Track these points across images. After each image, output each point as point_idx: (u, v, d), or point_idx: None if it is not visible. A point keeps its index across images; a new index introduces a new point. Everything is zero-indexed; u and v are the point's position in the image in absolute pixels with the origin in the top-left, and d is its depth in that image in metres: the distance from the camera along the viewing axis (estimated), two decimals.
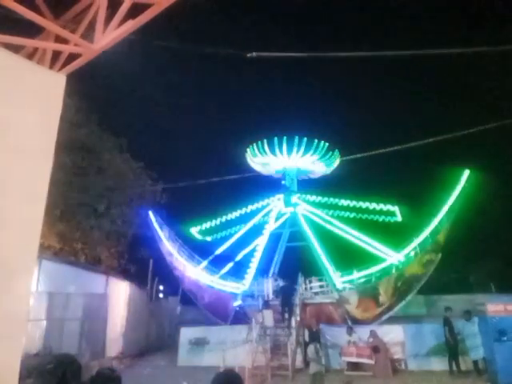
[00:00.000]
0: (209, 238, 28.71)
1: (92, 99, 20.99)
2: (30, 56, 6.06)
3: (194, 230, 28.68)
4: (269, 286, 19.79)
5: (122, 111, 30.62)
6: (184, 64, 47.10)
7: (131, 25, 5.25)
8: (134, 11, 5.23)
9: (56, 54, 5.98)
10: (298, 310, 17.56)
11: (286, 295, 17.90)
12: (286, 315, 17.08)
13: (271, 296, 19.11)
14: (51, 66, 5.96)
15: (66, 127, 14.39)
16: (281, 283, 19.32)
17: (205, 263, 25.63)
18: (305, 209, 26.88)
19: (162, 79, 43.12)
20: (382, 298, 20.01)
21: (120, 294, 20.61)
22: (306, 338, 16.02)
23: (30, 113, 5.51)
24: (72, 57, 5.92)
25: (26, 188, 5.32)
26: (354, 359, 14.85)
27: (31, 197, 5.38)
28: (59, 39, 5.81)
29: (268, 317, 16.96)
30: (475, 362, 13.34)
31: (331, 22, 62.39)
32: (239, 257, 25.96)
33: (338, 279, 22.50)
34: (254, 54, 8.49)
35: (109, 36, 5.49)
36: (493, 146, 28.86)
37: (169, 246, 24.78)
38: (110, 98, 24.95)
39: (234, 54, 8.89)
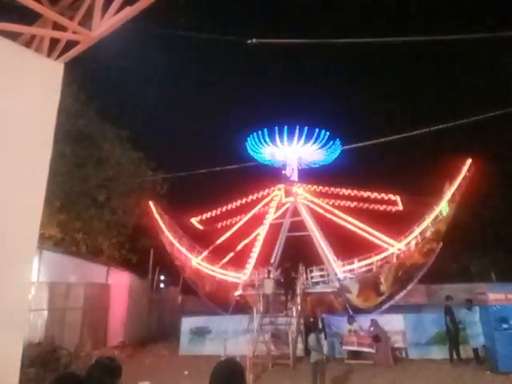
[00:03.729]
0: (209, 228, 28.73)
1: (91, 88, 20.88)
2: (28, 44, 5.98)
3: (195, 220, 28.73)
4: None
5: (122, 101, 30.47)
6: (184, 52, 46.89)
7: (129, 11, 5.19)
8: None
9: (54, 42, 5.90)
10: (298, 299, 17.59)
11: (287, 277, 17.95)
12: (289, 305, 17.14)
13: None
14: (49, 54, 5.89)
15: (64, 117, 14.31)
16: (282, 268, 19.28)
17: (205, 253, 25.64)
18: (305, 198, 26.81)
19: (161, 67, 42.77)
20: (383, 287, 20.01)
21: (121, 283, 20.66)
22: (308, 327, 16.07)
23: (28, 101, 5.45)
24: (70, 44, 5.84)
25: (25, 177, 5.28)
26: (354, 348, 14.91)
27: (30, 186, 5.34)
28: (57, 26, 5.73)
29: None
30: (475, 350, 13.41)
31: (332, 8, 61.70)
32: (240, 247, 25.96)
33: (339, 268, 22.48)
34: (255, 40, 8.41)
35: (107, 23, 5.42)
36: (496, 134, 28.62)
37: (169, 236, 24.77)
38: (109, 88, 24.79)
39: (234, 40, 8.80)
